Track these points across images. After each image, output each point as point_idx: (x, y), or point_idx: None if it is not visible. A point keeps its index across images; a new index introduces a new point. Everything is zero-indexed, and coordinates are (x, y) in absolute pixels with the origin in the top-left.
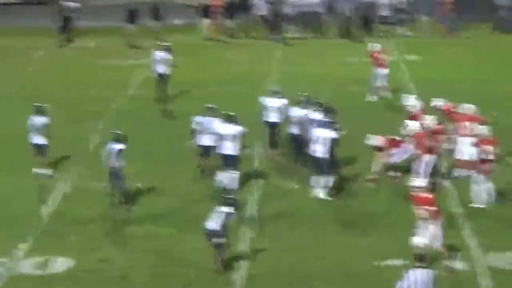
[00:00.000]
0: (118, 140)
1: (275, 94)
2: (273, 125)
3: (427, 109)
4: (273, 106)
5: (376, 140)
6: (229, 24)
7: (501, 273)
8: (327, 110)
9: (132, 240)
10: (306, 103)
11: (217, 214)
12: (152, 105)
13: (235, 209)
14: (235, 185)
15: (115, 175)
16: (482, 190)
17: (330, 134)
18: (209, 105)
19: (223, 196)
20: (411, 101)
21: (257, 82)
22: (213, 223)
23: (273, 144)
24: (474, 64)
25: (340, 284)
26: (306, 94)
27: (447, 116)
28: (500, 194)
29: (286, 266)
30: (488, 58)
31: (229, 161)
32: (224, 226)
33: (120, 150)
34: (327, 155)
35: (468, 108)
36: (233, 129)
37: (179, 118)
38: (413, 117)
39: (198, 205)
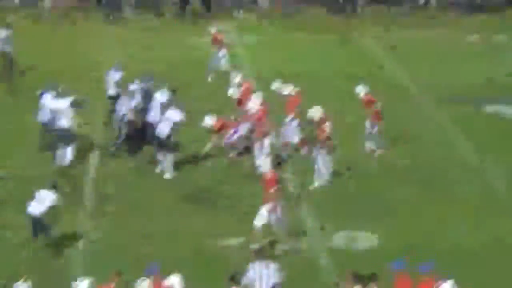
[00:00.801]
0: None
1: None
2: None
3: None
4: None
5: (211, 121)
6: None
7: (340, 252)
8: (171, 91)
9: None
10: (146, 83)
11: (41, 197)
12: None
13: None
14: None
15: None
16: (320, 168)
17: (175, 115)
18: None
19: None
20: (238, 81)
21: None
22: (36, 208)
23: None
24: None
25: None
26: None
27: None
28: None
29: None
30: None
31: (63, 136)
32: (50, 208)
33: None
34: (170, 135)
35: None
36: (64, 103)
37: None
38: (243, 98)
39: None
